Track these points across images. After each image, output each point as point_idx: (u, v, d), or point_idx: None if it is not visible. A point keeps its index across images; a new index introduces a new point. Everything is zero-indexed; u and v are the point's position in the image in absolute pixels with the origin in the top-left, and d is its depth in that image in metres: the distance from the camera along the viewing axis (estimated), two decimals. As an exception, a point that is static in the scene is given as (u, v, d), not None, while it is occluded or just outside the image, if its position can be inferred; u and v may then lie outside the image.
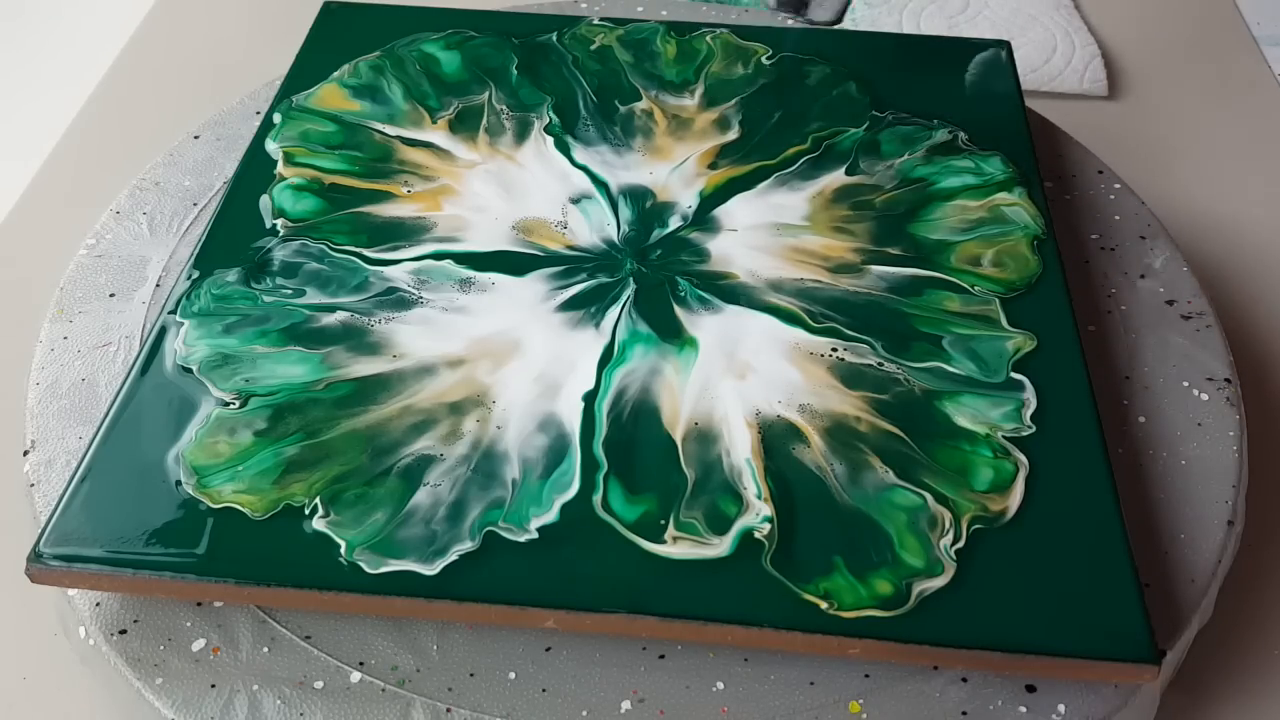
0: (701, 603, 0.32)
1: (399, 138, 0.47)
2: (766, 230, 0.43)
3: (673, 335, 0.39)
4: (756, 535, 0.34)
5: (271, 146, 0.46)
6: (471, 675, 0.33)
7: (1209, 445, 0.39)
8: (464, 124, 0.47)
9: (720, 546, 0.33)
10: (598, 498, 0.34)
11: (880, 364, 0.38)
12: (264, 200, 0.44)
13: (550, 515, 0.34)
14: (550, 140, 0.47)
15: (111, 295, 0.43)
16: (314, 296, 0.40)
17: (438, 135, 0.47)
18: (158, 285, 0.43)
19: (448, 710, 0.32)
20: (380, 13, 0.53)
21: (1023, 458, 0.36)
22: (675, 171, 0.46)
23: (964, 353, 0.39)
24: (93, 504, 0.34)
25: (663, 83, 0.50)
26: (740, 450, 0.36)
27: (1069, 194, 0.48)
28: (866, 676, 0.33)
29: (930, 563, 0.33)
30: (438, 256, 0.42)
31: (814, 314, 0.40)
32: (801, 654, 0.33)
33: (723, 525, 0.34)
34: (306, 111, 0.48)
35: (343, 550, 0.33)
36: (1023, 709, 0.32)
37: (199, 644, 0.33)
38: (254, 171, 0.45)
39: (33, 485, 0.37)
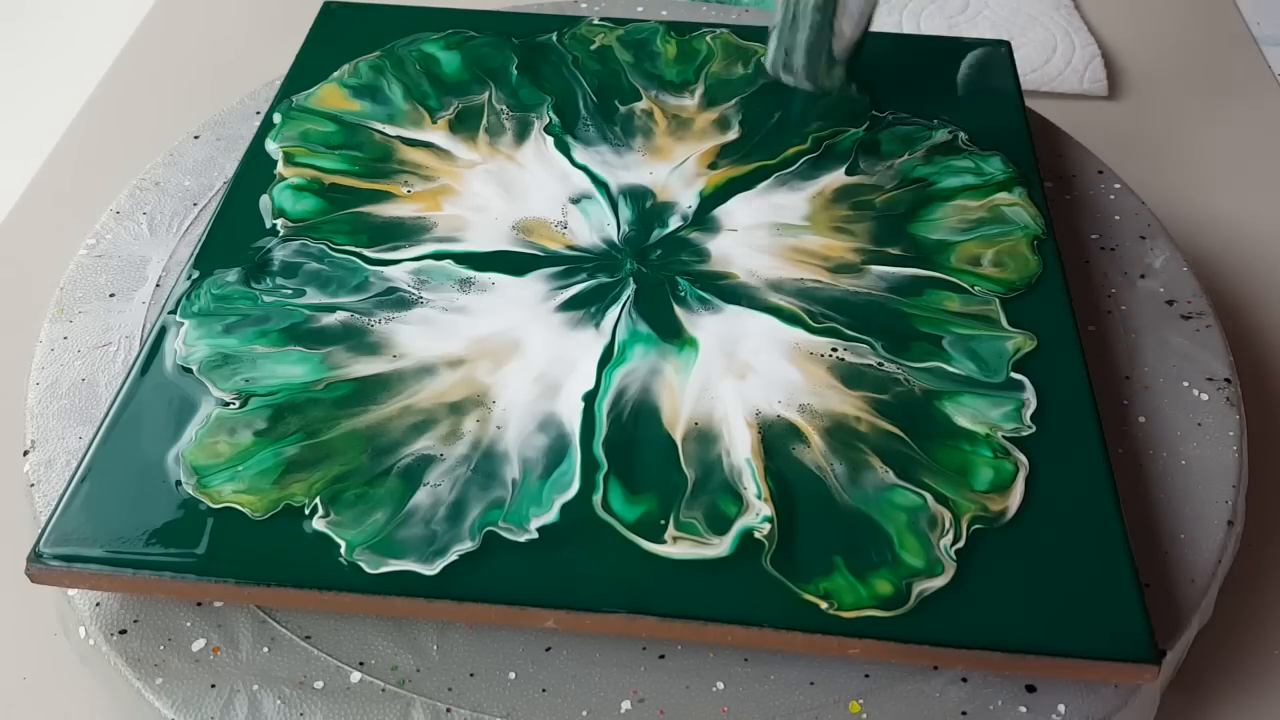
0: (701, 603, 0.32)
1: (399, 138, 0.47)
2: (766, 230, 0.43)
3: (673, 335, 0.39)
4: (756, 535, 0.34)
5: (271, 146, 0.46)
6: (471, 675, 0.33)
7: (1209, 445, 0.39)
8: (464, 124, 0.47)
9: (720, 546, 0.33)
10: (598, 498, 0.34)
11: (880, 364, 0.38)
12: (264, 200, 0.44)
13: (550, 515, 0.34)
14: (550, 140, 0.47)
15: (111, 295, 0.43)
16: (314, 296, 0.40)
17: (438, 135, 0.47)
18: (158, 285, 0.43)
19: (448, 710, 0.32)
20: (380, 13, 0.53)
21: (1023, 458, 0.36)
22: (675, 171, 0.46)
23: (964, 353, 0.39)
24: (93, 504, 0.34)
25: (663, 83, 0.50)
26: (740, 450, 0.36)
27: (1069, 194, 0.48)
28: (866, 676, 0.33)
29: (930, 563, 0.33)
30: (438, 256, 0.42)
31: (814, 314, 0.40)
32: (801, 654, 0.33)
33: (723, 525, 0.34)
34: (306, 111, 0.48)
35: (343, 550, 0.33)
36: (1023, 709, 0.32)
37: (199, 644, 0.33)
38: (254, 171, 0.45)
39: (33, 485, 0.37)
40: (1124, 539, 0.34)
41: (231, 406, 0.36)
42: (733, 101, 0.49)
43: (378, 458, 0.35)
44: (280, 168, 0.45)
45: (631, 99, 0.49)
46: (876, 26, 0.64)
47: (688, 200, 0.44)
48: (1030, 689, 0.33)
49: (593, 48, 0.51)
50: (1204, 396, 0.40)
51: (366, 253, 0.42)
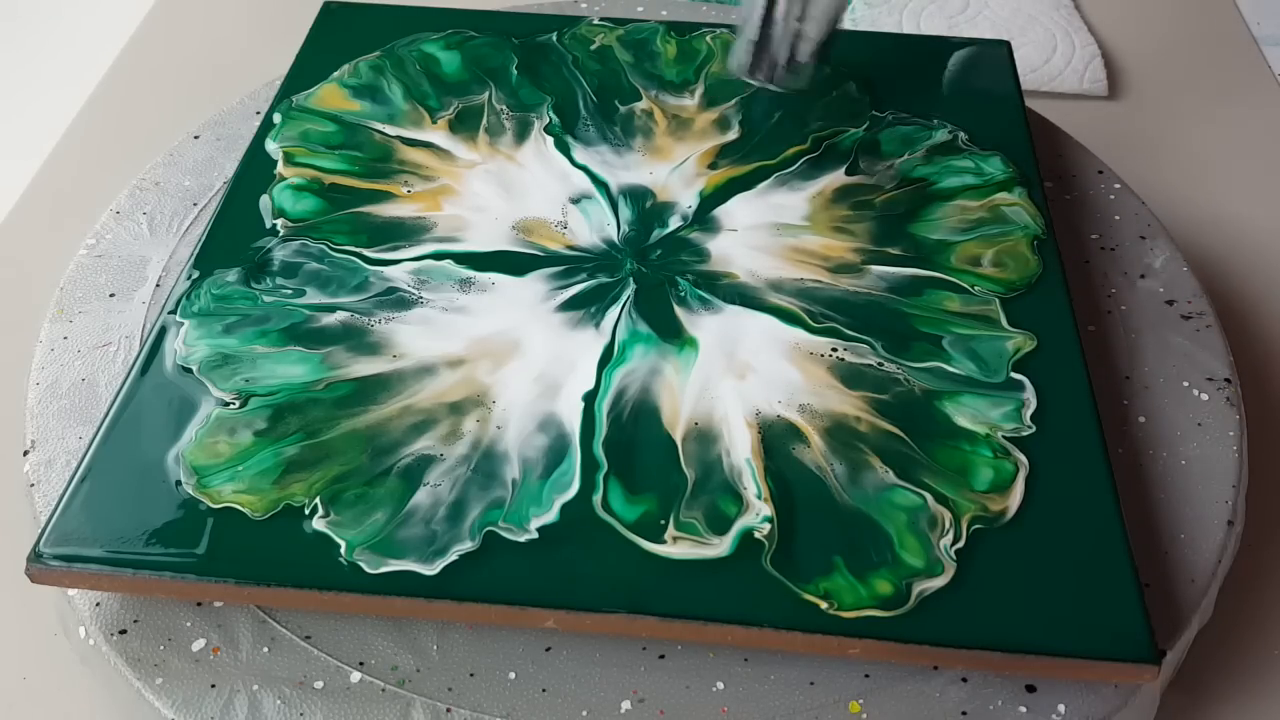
0: (701, 603, 0.32)
1: (399, 138, 0.47)
2: (766, 230, 0.43)
3: (673, 335, 0.39)
4: (756, 535, 0.34)
5: (271, 146, 0.46)
6: (471, 675, 0.33)
7: (1209, 445, 0.39)
8: (464, 124, 0.47)
9: (720, 546, 0.33)
10: (598, 498, 0.34)
11: (880, 364, 0.38)
12: (264, 200, 0.44)
13: (550, 515, 0.34)
14: (550, 140, 0.47)
15: (111, 295, 0.43)
16: (314, 296, 0.40)
17: (438, 135, 0.47)
18: (158, 285, 0.43)
19: (448, 710, 0.32)
20: (380, 13, 0.53)
21: (1023, 458, 0.36)
22: (675, 171, 0.46)
23: (964, 353, 0.39)
24: (93, 504, 0.34)
25: (663, 83, 0.50)
26: (740, 450, 0.36)
27: (1069, 194, 0.48)
28: (866, 676, 0.33)
29: (930, 563, 0.33)
30: (438, 256, 0.42)
31: (814, 314, 0.40)
32: (801, 654, 0.33)
33: (723, 525, 0.34)
34: (306, 111, 0.48)
35: (343, 550, 0.33)
36: (1023, 709, 0.32)
37: (199, 644, 0.33)
38: (254, 171, 0.45)
39: (33, 485, 0.37)
40: (1124, 539, 0.34)
41: (231, 406, 0.36)
42: (733, 101, 0.49)
43: (378, 458, 0.35)
44: (280, 168, 0.45)
45: (631, 99, 0.49)
46: (876, 26, 0.65)
47: (688, 200, 0.44)
48: (1030, 689, 0.33)
49: (593, 48, 0.51)
50: (1204, 396, 0.40)
51: (366, 253, 0.42)
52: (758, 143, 0.47)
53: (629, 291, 0.41)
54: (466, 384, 0.37)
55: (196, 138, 0.50)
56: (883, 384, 0.38)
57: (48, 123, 0.60)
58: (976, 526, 0.34)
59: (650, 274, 0.41)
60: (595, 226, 0.43)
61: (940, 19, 0.66)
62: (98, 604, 0.34)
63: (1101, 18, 0.68)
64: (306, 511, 0.34)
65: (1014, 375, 0.38)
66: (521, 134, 0.47)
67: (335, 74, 0.49)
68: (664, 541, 0.33)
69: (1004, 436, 0.36)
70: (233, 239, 0.42)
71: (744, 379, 0.38)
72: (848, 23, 0.65)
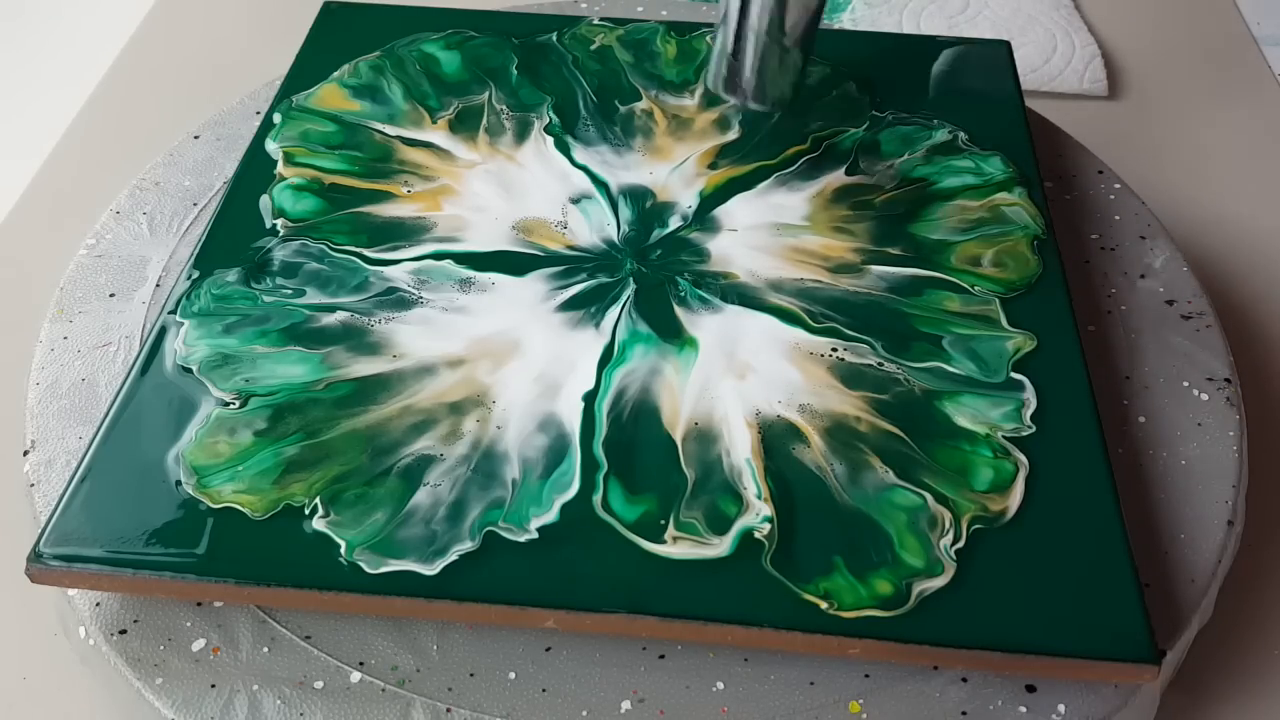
0: (701, 603, 0.32)
1: (399, 138, 0.47)
2: (766, 230, 0.43)
3: (673, 335, 0.39)
4: (756, 535, 0.34)
5: (271, 146, 0.46)
6: (471, 675, 0.33)
7: (1209, 445, 0.39)
8: (464, 124, 0.47)
9: (720, 546, 0.33)
10: (598, 498, 0.34)
11: (880, 364, 0.38)
12: (264, 200, 0.44)
13: (550, 515, 0.34)
14: (550, 140, 0.47)
15: (111, 295, 0.43)
16: (314, 296, 0.40)
17: (438, 135, 0.47)
18: (158, 285, 0.43)
19: (448, 710, 0.32)
20: (380, 13, 0.53)
21: (1023, 458, 0.36)
22: (675, 171, 0.46)
23: (964, 353, 0.39)
24: (93, 504, 0.34)
25: (663, 83, 0.50)
26: (740, 450, 0.36)
27: (1069, 194, 0.48)
28: (866, 676, 0.33)
29: (930, 563, 0.33)
30: (438, 256, 0.42)
31: (814, 314, 0.40)
32: (801, 654, 0.33)
33: (723, 525, 0.34)
34: (306, 111, 0.48)
35: (343, 550, 0.33)
36: (1023, 709, 0.32)
37: (199, 644, 0.33)
38: (254, 171, 0.45)
39: (33, 485, 0.37)
40: (1124, 539, 0.34)
41: (231, 406, 0.36)
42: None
43: (378, 458, 0.35)
44: (280, 168, 0.45)
45: (631, 99, 0.49)
46: (876, 26, 0.65)
47: (688, 200, 0.44)
48: (1030, 689, 0.33)
49: (593, 48, 0.51)
50: (1204, 396, 0.40)
51: (366, 253, 0.42)
52: (758, 143, 0.47)
53: (629, 291, 0.41)
54: (466, 384, 0.37)
55: (196, 138, 0.50)
56: (883, 384, 0.38)
57: (48, 123, 0.60)
58: (976, 526, 0.34)
59: (650, 274, 0.41)
60: (595, 226, 0.43)
61: (940, 19, 0.66)
62: (98, 604, 0.34)
63: (1101, 18, 0.68)
64: (306, 511, 0.34)
65: (1014, 375, 0.38)
66: (521, 134, 0.47)
67: (335, 74, 0.49)
68: (664, 541, 0.33)
69: (1004, 436, 0.36)
70: (233, 239, 0.42)
71: (744, 379, 0.38)
72: (848, 23, 0.65)
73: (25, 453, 0.38)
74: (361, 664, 0.33)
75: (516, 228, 0.43)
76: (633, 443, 0.36)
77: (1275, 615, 0.40)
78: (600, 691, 0.33)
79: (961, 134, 0.47)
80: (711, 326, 0.40)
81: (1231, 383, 0.40)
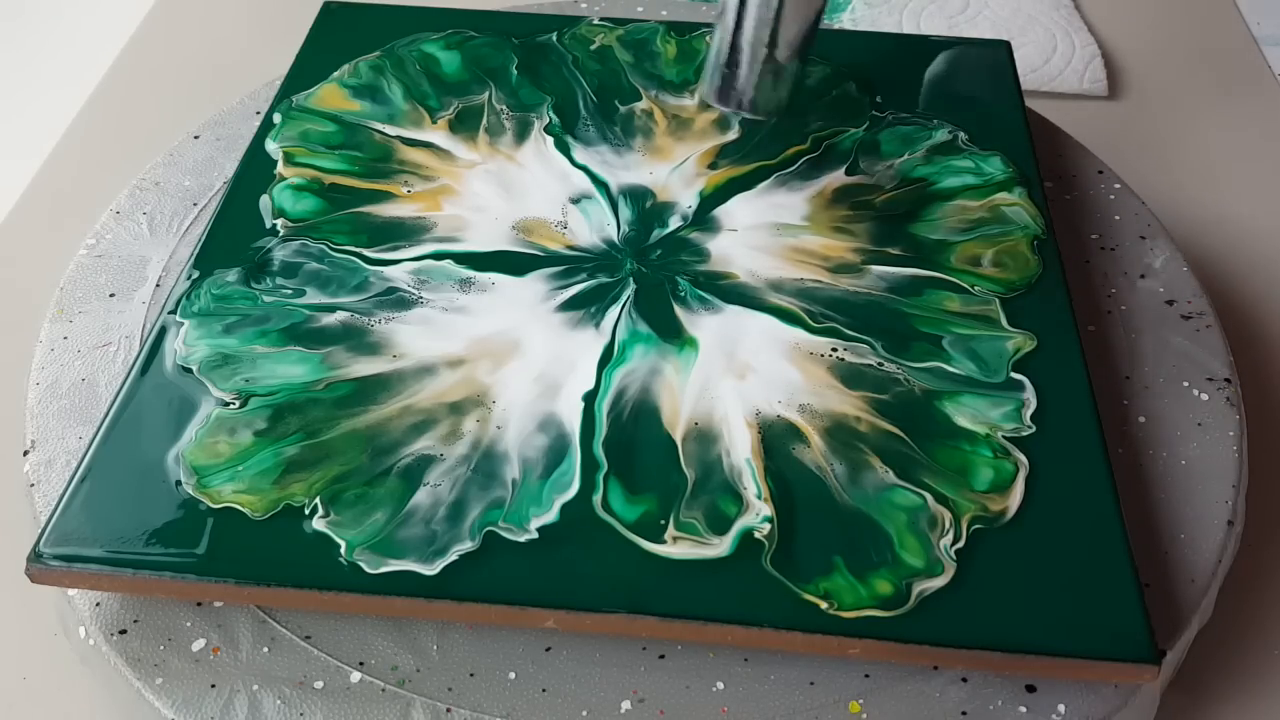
0: (701, 603, 0.32)
1: (399, 138, 0.47)
2: (766, 230, 0.43)
3: (673, 335, 0.39)
4: (756, 535, 0.34)
5: (271, 146, 0.46)
6: (471, 675, 0.33)
7: (1209, 445, 0.39)
8: (464, 124, 0.47)
9: (720, 546, 0.33)
10: (598, 498, 0.34)
11: (880, 364, 0.38)
12: (264, 200, 0.44)
13: (550, 515, 0.34)
14: (550, 140, 0.47)
15: (111, 295, 0.43)
16: (314, 296, 0.40)
17: (438, 135, 0.47)
18: (158, 285, 0.43)
19: (448, 710, 0.32)
20: (380, 13, 0.53)
21: (1023, 458, 0.36)
22: (675, 171, 0.46)
23: (964, 353, 0.39)
24: (93, 504, 0.34)
25: (663, 83, 0.50)
26: (740, 450, 0.36)
27: (1069, 194, 0.48)
28: (866, 676, 0.33)
29: (930, 563, 0.33)
30: (438, 256, 0.42)
31: (814, 314, 0.40)
32: (801, 654, 0.33)
33: (723, 525, 0.34)
34: (306, 111, 0.48)
35: (343, 550, 0.33)
36: (1023, 709, 0.32)
37: (199, 644, 0.33)
38: (254, 171, 0.45)
39: (33, 485, 0.37)
40: (1124, 539, 0.34)
41: (231, 406, 0.36)
42: (733, 101, 0.49)
43: (378, 458, 0.35)
44: (280, 168, 0.45)
45: (631, 99, 0.49)
46: (876, 26, 0.65)
47: (688, 200, 0.44)
48: (1030, 689, 0.33)
49: (593, 48, 0.51)
50: (1204, 396, 0.40)
51: (366, 253, 0.42)
52: (758, 143, 0.47)
53: (629, 291, 0.41)
54: (466, 384, 0.37)
55: (196, 138, 0.50)
56: (883, 384, 0.38)
57: (48, 123, 0.60)
58: (976, 526, 0.34)
59: (650, 274, 0.41)
60: (595, 226, 0.43)
61: (940, 19, 0.66)
62: (98, 604, 0.34)
63: (1101, 18, 0.68)
64: (306, 511, 0.34)
65: (1014, 375, 0.38)
66: (521, 134, 0.47)
67: (335, 74, 0.49)
68: (664, 541, 0.33)
69: (1004, 436, 0.36)
70: (233, 239, 0.42)
71: (744, 379, 0.38)
72: (847, 23, 0.65)
73: (25, 453, 0.38)
74: (361, 664, 0.33)
75: (516, 228, 0.43)
76: (633, 443, 0.36)
77: (1275, 615, 0.40)
78: (600, 691, 0.33)
79: (961, 134, 0.47)
80: (711, 326, 0.40)
81: (1231, 383, 0.40)
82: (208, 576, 0.32)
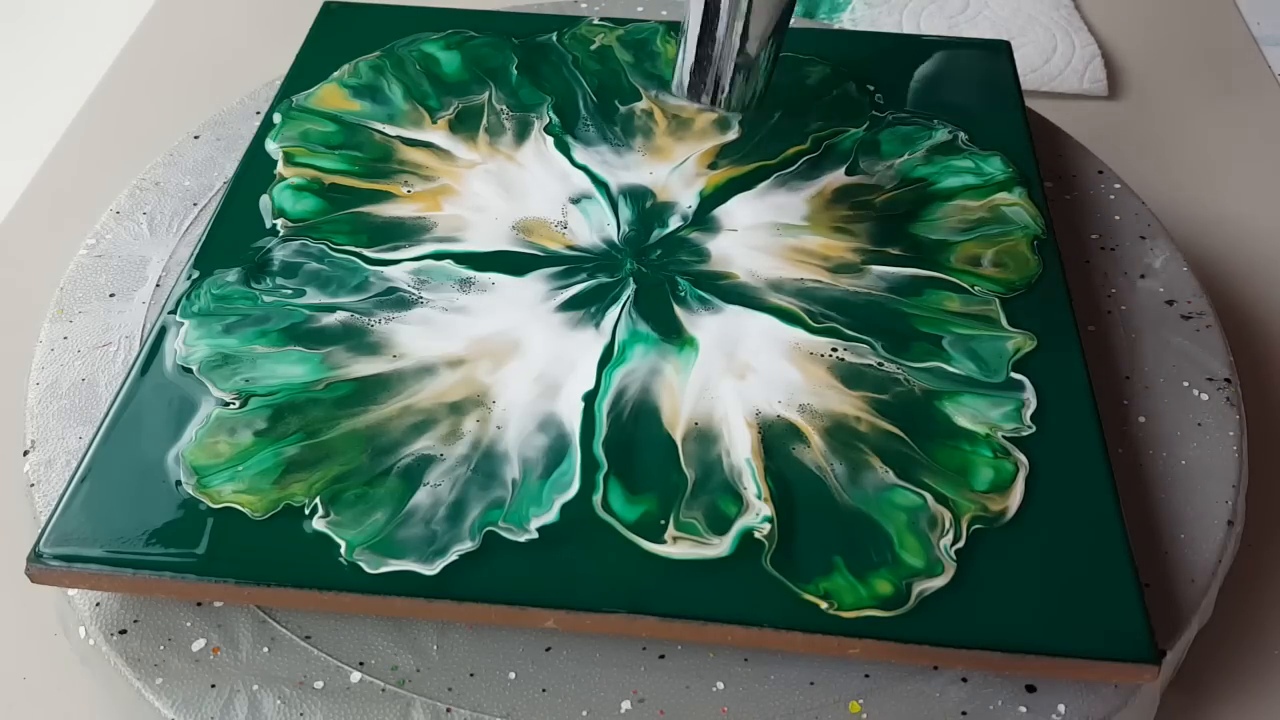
0: (701, 603, 0.32)
1: (399, 138, 0.47)
2: (766, 230, 0.43)
3: (673, 335, 0.39)
4: (756, 535, 0.34)
5: (271, 146, 0.46)
6: (471, 675, 0.33)
7: (1209, 445, 0.39)
8: (464, 124, 0.47)
9: (720, 546, 0.33)
10: (598, 498, 0.34)
11: (880, 364, 0.38)
12: (264, 200, 0.44)
13: (550, 515, 0.34)
14: (550, 140, 0.47)
15: (111, 295, 0.43)
16: (314, 296, 0.40)
17: (438, 135, 0.47)
18: (158, 285, 0.43)
19: (448, 710, 0.32)
20: (380, 13, 0.53)
21: (1023, 458, 0.36)
22: (675, 171, 0.46)
23: (964, 353, 0.39)
24: (93, 504, 0.34)
25: (663, 83, 0.50)
26: (740, 450, 0.36)
27: (1069, 194, 0.48)
28: (866, 676, 0.33)
29: (930, 563, 0.33)
30: (438, 256, 0.42)
31: (814, 314, 0.40)
32: (801, 654, 0.33)
33: (723, 525, 0.34)
34: (306, 111, 0.48)
35: (343, 550, 0.33)
36: (1023, 709, 0.32)
37: (199, 644, 0.33)
38: (254, 171, 0.45)
39: (33, 485, 0.37)
40: (1124, 539, 0.34)
41: (231, 406, 0.36)
42: (733, 101, 0.49)
43: (378, 458, 0.35)
44: (280, 168, 0.45)
45: (631, 99, 0.49)
46: (876, 26, 0.65)
47: (688, 200, 0.44)
48: (1030, 689, 0.33)
49: (593, 48, 0.51)
50: (1204, 396, 0.40)
51: (366, 253, 0.42)
52: (758, 143, 0.47)
53: (629, 291, 0.41)
54: (466, 384, 0.37)
55: (196, 138, 0.50)
56: (883, 384, 0.38)
57: (48, 123, 0.60)
58: (976, 526, 0.34)
59: (650, 274, 0.41)
60: (595, 226, 0.43)
61: (940, 19, 0.66)
62: (98, 604, 0.34)
63: (1101, 18, 0.68)
64: (306, 511, 0.34)
65: (1014, 375, 0.38)
66: (521, 134, 0.47)
67: (335, 74, 0.49)
68: (664, 541, 0.33)
69: (1004, 436, 0.36)
70: (233, 239, 0.42)
71: (744, 379, 0.38)
72: (847, 22, 0.65)
73: (25, 453, 0.38)
74: (361, 664, 0.33)
75: (516, 228, 0.43)
76: (633, 443, 0.36)
77: (1275, 615, 0.40)
78: (600, 691, 0.33)
79: (961, 134, 0.47)
80: (711, 326, 0.40)
81: (1231, 383, 0.40)
82: (208, 576, 0.32)
